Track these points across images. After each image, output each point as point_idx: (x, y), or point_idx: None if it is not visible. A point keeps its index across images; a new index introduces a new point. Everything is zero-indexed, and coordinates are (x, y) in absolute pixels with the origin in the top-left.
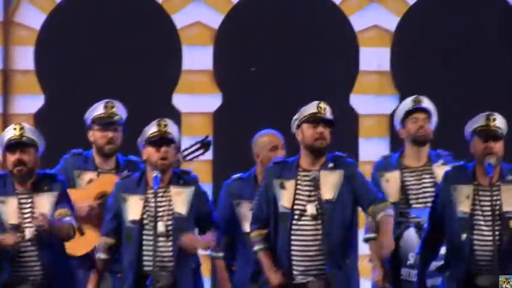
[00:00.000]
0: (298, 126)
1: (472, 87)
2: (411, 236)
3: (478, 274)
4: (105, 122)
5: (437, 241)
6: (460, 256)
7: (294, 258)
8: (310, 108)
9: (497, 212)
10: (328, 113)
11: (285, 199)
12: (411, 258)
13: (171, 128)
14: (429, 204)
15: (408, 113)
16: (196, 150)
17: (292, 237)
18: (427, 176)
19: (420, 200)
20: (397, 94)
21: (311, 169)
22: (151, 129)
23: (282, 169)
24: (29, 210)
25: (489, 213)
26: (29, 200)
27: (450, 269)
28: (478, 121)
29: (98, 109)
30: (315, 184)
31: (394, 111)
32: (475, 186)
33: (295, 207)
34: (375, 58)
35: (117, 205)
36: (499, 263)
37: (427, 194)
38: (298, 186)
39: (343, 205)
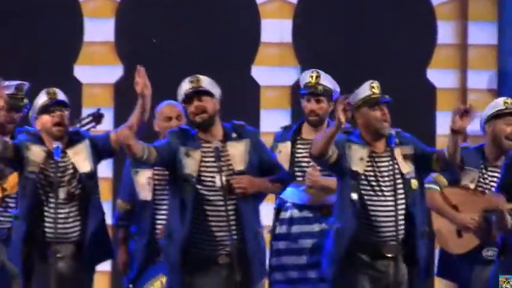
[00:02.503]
0: (181, 102)
1: (374, 59)
2: None
3: (382, 242)
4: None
5: None
6: (351, 213)
7: (202, 229)
8: (184, 85)
9: (398, 177)
10: (203, 83)
11: (190, 167)
12: None
13: (61, 94)
14: None
15: (302, 92)
16: (88, 123)
17: (199, 209)
18: None
19: None
20: (298, 66)
21: (212, 141)
22: (42, 98)
23: (185, 138)
24: None
25: (389, 178)
26: None
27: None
28: (363, 91)
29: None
30: (217, 155)
31: (295, 83)
32: (369, 152)
33: (202, 178)
34: (276, 30)
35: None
36: (400, 229)
37: (318, 167)
38: (204, 158)
39: (253, 174)
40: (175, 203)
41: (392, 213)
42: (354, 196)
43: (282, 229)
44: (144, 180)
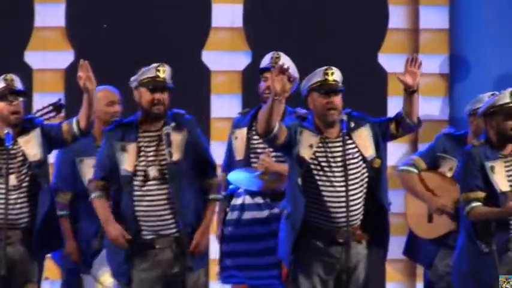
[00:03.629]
0: (136, 87)
1: (326, 44)
2: None
3: (336, 228)
4: None
5: None
6: (298, 201)
7: (140, 219)
8: (149, 72)
9: (352, 162)
10: (167, 76)
11: (126, 162)
12: None
13: (18, 81)
14: None
15: (262, 71)
16: (48, 112)
17: (137, 200)
18: None
19: None
20: (249, 51)
21: (151, 129)
22: None
23: (122, 131)
24: None
25: (342, 163)
26: None
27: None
28: (316, 76)
29: None
30: (168, 140)
31: (246, 68)
32: (322, 138)
33: (138, 168)
34: (227, 14)
35: None
36: (352, 214)
37: (272, 154)
38: (141, 148)
39: (191, 164)
40: (119, 198)
41: (344, 199)
42: (299, 182)
43: (233, 215)
44: (89, 168)
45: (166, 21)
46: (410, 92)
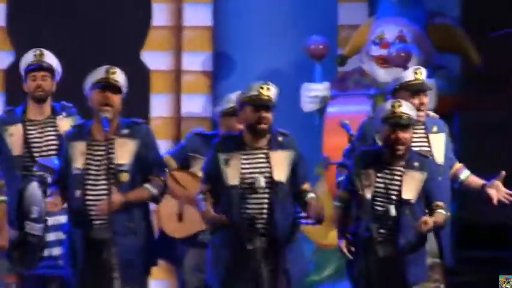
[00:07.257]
0: None
1: (91, 41)
2: (35, 190)
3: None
4: None
5: None
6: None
7: None
8: None
9: (111, 167)
10: None
11: None
12: (35, 212)
13: None
14: (53, 156)
15: (28, 70)
16: None
17: None
18: (51, 128)
19: (44, 153)
20: (13, 50)
21: None
22: None
23: None
24: None
25: (104, 167)
26: None
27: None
28: (98, 74)
29: None
30: None
31: (10, 67)
32: (89, 142)
33: None
34: None
35: None
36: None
37: (50, 147)
38: None
39: None
40: None
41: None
42: (78, 193)
43: None
44: None
45: None
46: None
